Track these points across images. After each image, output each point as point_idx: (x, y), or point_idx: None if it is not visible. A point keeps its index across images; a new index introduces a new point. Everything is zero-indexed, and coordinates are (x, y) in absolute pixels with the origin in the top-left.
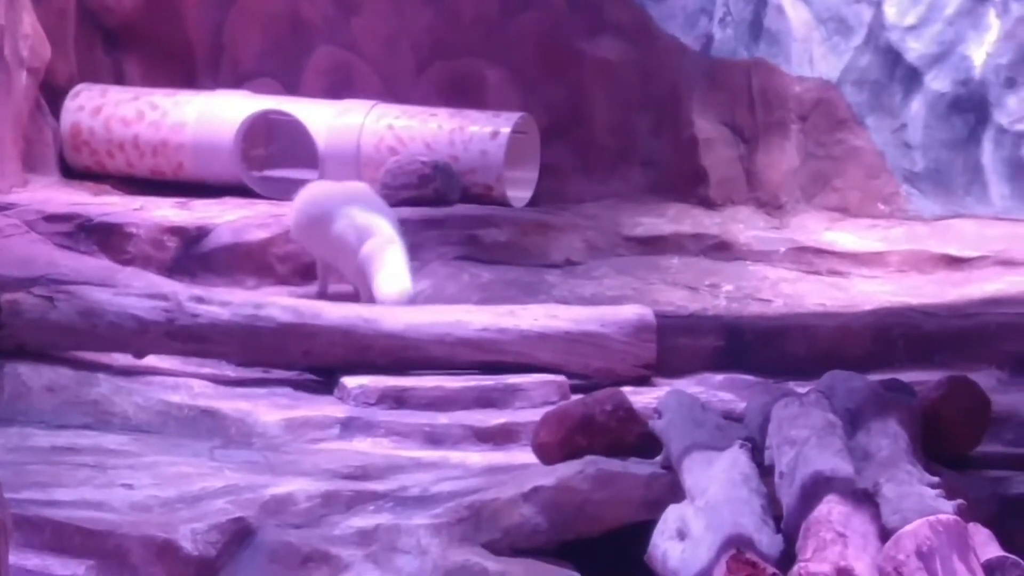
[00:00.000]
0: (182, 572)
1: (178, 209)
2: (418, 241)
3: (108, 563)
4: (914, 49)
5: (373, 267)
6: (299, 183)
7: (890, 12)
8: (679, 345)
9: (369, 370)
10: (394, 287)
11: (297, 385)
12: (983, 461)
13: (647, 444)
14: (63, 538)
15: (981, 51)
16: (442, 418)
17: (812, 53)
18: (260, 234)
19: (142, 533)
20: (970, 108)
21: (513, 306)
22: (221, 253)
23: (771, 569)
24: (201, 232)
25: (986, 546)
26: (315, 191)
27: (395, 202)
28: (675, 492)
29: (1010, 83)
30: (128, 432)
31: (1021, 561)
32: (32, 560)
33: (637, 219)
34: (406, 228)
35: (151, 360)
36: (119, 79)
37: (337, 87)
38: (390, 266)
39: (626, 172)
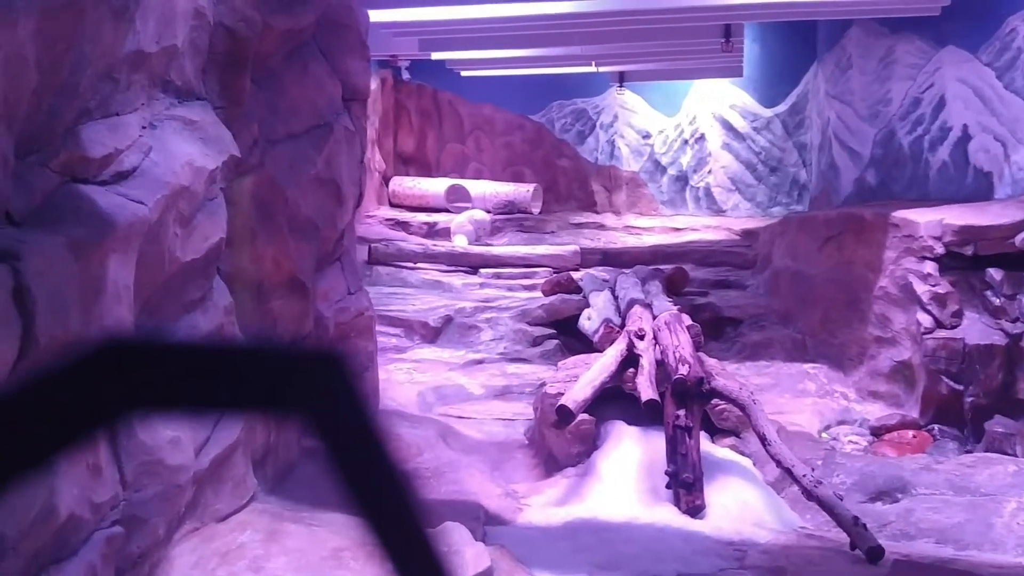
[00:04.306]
0: (429, 332)
1: (426, 216)
2: (503, 226)
3: (406, 329)
4: (664, 160)
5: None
6: (465, 208)
7: (657, 149)
8: (587, 258)
9: (489, 267)
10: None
11: (466, 272)
12: (684, 294)
13: (578, 290)
14: (391, 322)
15: (687, 159)
16: (512, 282)
17: (630, 162)
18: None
19: (417, 319)
20: (680, 179)
21: (534, 245)
22: (441, 231)
23: (618, 329)
24: (434, 224)
25: (686, 321)
26: (464, 214)
27: (496, 213)
28: (588, 305)
29: (692, 173)
30: (411, 287)
31: (696, 324)
32: (381, 329)
33: (573, 218)
34: (499, 224)
35: (420, 265)
36: (406, 173)
37: (475, 176)
38: (460, 239)
39: (569, 203)
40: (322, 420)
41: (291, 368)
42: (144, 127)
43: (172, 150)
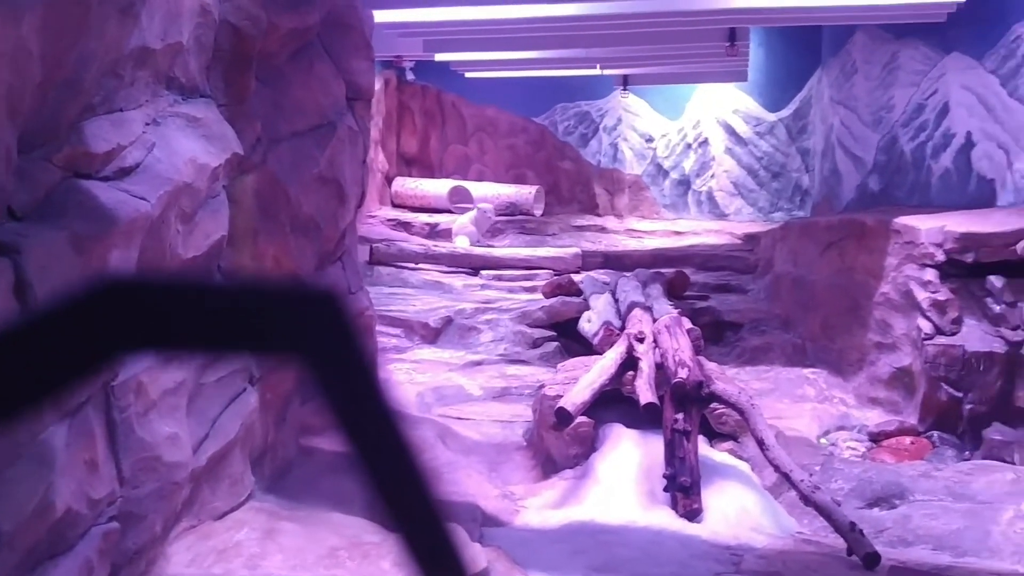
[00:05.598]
0: (430, 332)
1: (428, 217)
2: (504, 228)
3: (406, 330)
4: (667, 164)
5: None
6: (467, 209)
7: (660, 153)
8: (588, 261)
9: (490, 269)
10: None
11: (468, 273)
12: (685, 298)
13: (579, 292)
14: (391, 322)
15: (690, 163)
16: (513, 284)
17: (633, 165)
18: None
19: (417, 320)
20: (683, 183)
21: (536, 248)
22: (442, 231)
23: (618, 332)
24: (435, 225)
25: (686, 325)
26: (466, 215)
27: (499, 215)
28: (588, 308)
29: (694, 177)
30: (412, 288)
31: (696, 328)
32: (381, 329)
33: (574, 221)
34: (501, 225)
35: (421, 265)
36: (409, 174)
37: (478, 178)
38: (461, 240)
39: (571, 205)
40: (315, 358)
41: (285, 306)
42: (148, 124)
43: (175, 147)
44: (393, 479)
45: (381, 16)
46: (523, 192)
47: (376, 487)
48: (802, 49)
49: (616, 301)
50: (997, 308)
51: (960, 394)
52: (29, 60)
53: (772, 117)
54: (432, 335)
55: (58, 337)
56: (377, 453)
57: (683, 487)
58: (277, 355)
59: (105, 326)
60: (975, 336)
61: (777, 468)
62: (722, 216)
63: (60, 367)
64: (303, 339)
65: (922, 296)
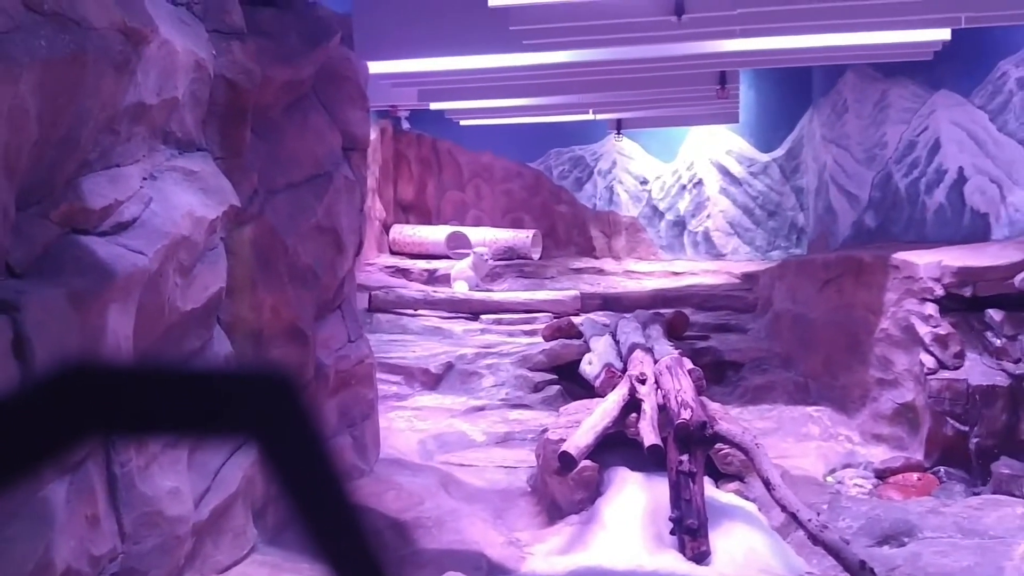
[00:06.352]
0: (430, 379)
1: (426, 263)
2: (503, 272)
3: (407, 376)
4: (662, 205)
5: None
6: (465, 254)
7: (655, 194)
8: (587, 303)
9: (489, 313)
10: (461, 288)
11: (467, 318)
12: (685, 338)
13: (579, 334)
14: (392, 369)
15: (685, 204)
16: (513, 328)
17: (628, 208)
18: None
19: (418, 366)
20: (678, 224)
21: (534, 291)
22: (441, 277)
23: (619, 373)
24: (434, 271)
25: (688, 365)
26: (465, 260)
27: (497, 259)
28: (589, 350)
29: (690, 218)
30: (412, 335)
31: (697, 368)
32: (382, 377)
33: (572, 263)
34: (499, 270)
35: (420, 311)
36: (406, 221)
37: (475, 223)
38: (460, 285)
39: (568, 248)
40: (270, 440)
41: (240, 389)
42: (145, 178)
43: (172, 201)
44: (349, 562)
45: (376, 67)
46: (520, 236)
47: (331, 567)
48: (792, 90)
49: (617, 343)
50: (998, 342)
51: (966, 428)
52: (26, 119)
53: (765, 157)
54: (433, 381)
55: (20, 422)
56: (331, 535)
57: (690, 529)
58: (233, 437)
59: (66, 411)
60: (978, 370)
61: (784, 508)
62: (719, 256)
63: (22, 451)
64: (257, 421)
65: (924, 330)
